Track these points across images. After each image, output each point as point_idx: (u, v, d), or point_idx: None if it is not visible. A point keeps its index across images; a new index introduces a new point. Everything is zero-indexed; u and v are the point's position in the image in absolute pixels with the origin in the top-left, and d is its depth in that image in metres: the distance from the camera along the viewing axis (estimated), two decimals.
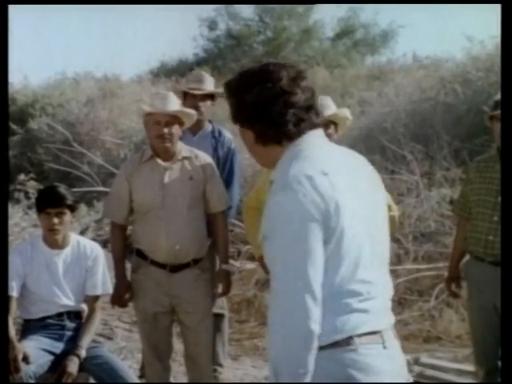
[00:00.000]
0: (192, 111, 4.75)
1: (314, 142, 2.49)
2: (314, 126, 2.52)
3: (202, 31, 23.99)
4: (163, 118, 4.54)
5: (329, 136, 4.67)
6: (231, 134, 5.56)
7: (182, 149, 4.69)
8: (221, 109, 7.72)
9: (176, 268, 4.63)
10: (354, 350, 2.36)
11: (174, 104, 4.60)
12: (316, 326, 2.30)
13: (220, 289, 4.79)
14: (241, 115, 2.55)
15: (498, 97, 4.50)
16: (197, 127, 5.39)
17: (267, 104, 2.47)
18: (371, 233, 2.46)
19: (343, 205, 2.34)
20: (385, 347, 2.42)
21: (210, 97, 5.48)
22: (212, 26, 23.82)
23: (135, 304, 4.82)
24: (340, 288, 2.37)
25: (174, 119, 4.57)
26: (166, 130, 4.54)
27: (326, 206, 2.32)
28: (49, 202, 4.61)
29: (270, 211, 2.38)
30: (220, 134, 5.51)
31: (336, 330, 2.36)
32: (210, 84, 5.48)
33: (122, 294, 4.77)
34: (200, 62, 21.54)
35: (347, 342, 2.36)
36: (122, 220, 4.76)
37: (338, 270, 2.36)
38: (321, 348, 2.34)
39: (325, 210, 2.31)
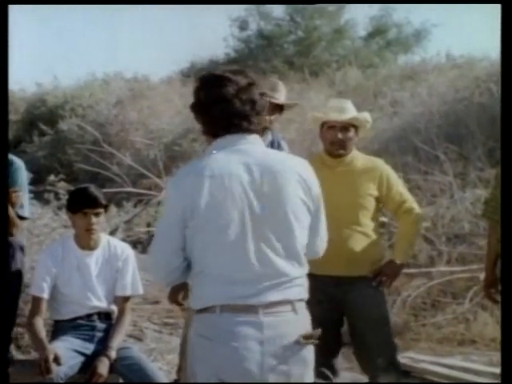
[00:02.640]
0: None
1: (223, 144, 3.07)
2: (242, 131, 3.08)
3: (232, 31, 24.02)
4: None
5: (349, 139, 4.70)
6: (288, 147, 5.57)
7: None
8: None
9: None
10: (217, 315, 2.97)
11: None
12: (160, 268, 3.14)
13: None
14: (194, 107, 3.15)
15: None
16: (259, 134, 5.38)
17: (210, 105, 3.08)
18: (253, 226, 2.99)
19: (204, 201, 2.96)
20: (258, 318, 2.97)
21: (280, 108, 5.36)
22: (243, 25, 23.83)
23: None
24: (208, 267, 3.00)
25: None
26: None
27: (184, 202, 2.98)
28: (86, 203, 4.64)
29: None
30: (279, 145, 5.48)
31: (204, 299, 3.01)
32: (283, 95, 5.40)
33: (178, 291, 4.73)
34: (231, 63, 21.54)
35: (212, 309, 2.98)
36: None
37: (204, 253, 3.01)
38: (196, 312, 3.04)
39: (182, 205, 2.98)
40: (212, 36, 36.49)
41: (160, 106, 16.49)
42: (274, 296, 3.01)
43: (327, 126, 4.71)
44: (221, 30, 29.26)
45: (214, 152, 3.06)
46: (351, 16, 22.91)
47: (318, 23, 22.42)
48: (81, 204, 4.66)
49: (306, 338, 3.04)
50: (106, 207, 4.75)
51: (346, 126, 4.66)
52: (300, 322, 3.09)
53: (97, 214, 4.67)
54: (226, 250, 2.99)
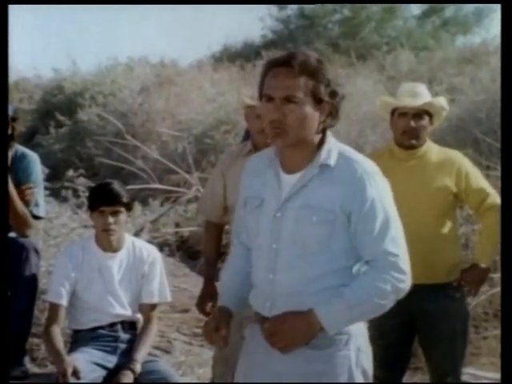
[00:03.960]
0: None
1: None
2: None
3: (270, 10, 23.99)
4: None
5: (423, 128, 4.64)
6: None
7: None
8: None
9: None
10: None
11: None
12: None
13: None
14: (328, 88, 3.04)
15: None
16: None
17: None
18: None
19: None
20: None
21: None
22: (282, 4, 23.77)
23: None
24: None
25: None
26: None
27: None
28: (103, 200, 4.67)
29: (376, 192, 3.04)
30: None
31: None
32: None
33: (206, 300, 4.75)
34: (268, 45, 21.49)
35: None
36: (215, 218, 4.76)
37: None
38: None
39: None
40: (247, 16, 36.53)
41: (189, 94, 16.51)
42: None
43: (398, 113, 4.62)
44: (257, 9, 29.25)
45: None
46: None
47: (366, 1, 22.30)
48: (97, 201, 4.70)
49: None
50: (127, 205, 4.75)
51: (419, 113, 4.58)
52: None
53: (115, 213, 4.68)
54: None
